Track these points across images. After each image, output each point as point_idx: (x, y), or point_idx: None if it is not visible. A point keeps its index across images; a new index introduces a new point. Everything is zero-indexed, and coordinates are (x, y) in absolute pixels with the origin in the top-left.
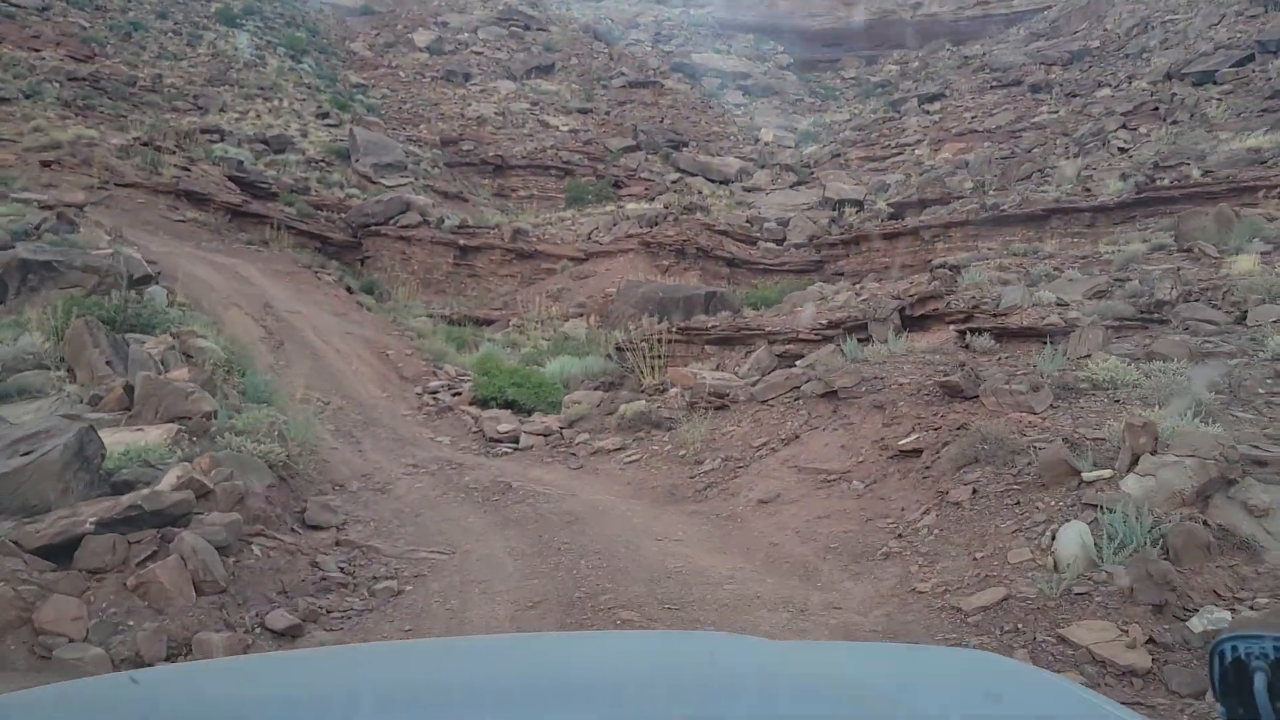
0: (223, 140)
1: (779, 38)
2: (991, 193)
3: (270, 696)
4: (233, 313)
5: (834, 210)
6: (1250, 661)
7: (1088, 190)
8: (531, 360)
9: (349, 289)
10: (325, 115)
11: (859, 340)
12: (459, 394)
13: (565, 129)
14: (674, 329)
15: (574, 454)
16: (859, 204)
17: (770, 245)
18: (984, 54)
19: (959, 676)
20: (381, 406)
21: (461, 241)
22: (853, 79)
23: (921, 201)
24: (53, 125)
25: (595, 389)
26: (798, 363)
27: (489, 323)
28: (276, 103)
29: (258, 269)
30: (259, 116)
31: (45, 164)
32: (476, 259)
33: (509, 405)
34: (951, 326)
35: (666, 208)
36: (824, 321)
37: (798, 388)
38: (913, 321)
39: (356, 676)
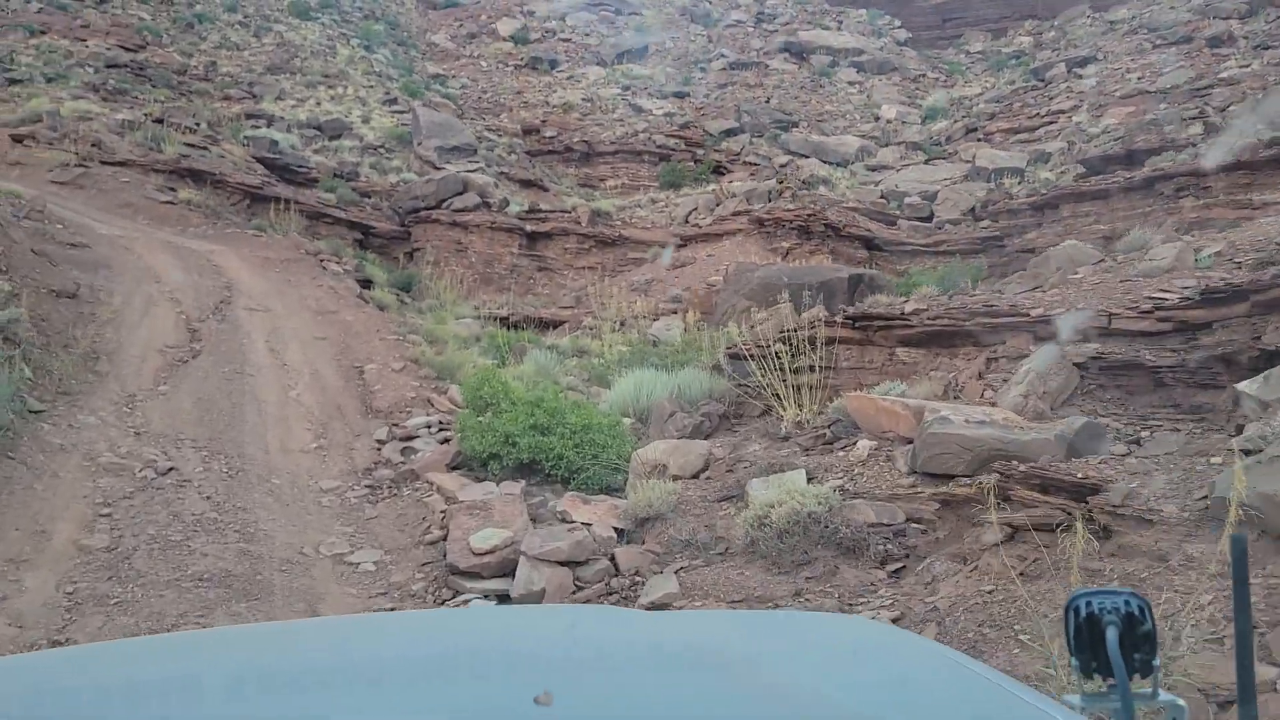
0: (270, 126)
1: (894, 13)
2: (1261, 128)
3: (110, 686)
4: (160, 310)
5: (989, 181)
6: (1103, 616)
7: None
8: (598, 376)
9: (366, 282)
10: (393, 101)
11: None
12: (449, 439)
13: (659, 113)
14: (838, 317)
15: None
16: (1019, 173)
17: (916, 223)
18: (1133, 16)
19: (824, 641)
20: (283, 474)
21: (529, 228)
22: (979, 53)
23: (1129, 154)
24: (46, 101)
25: (691, 432)
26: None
27: (556, 325)
28: (340, 90)
29: (242, 257)
30: (319, 104)
31: (16, 140)
32: (547, 248)
33: (525, 470)
34: None
35: (781, 182)
36: (1190, 292)
37: None
38: None
39: (200, 662)
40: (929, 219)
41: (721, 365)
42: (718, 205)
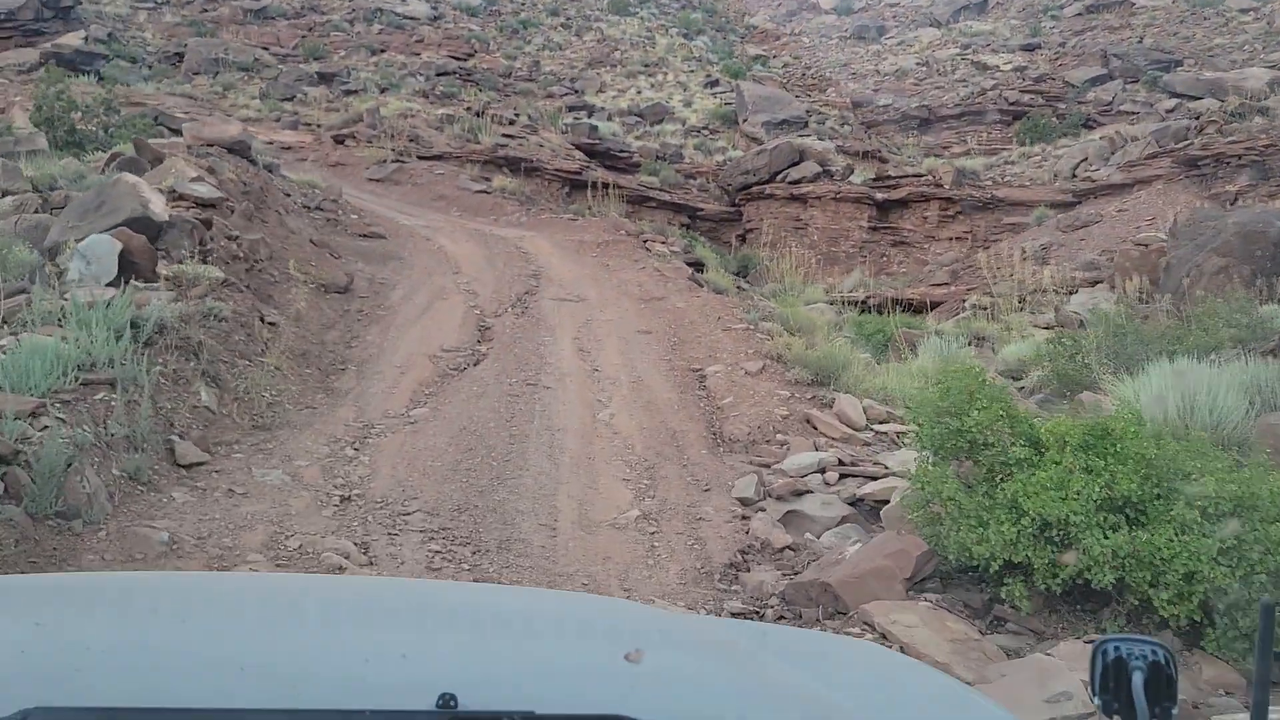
0: (591, 116)
1: None
2: None
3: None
4: (447, 304)
5: None
6: (1130, 661)
7: None
8: (1060, 377)
9: (697, 266)
10: (714, 84)
11: None
12: (861, 499)
13: (1008, 68)
14: None
15: None
16: None
17: None
18: None
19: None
20: (578, 583)
21: (879, 196)
22: None
23: None
24: (371, 102)
25: None
26: None
27: (931, 306)
28: (660, 77)
29: (555, 242)
30: (639, 92)
31: (338, 141)
32: (902, 219)
33: (1091, 597)
34: None
35: (1199, 118)
36: None
37: None
38: None
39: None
40: None
41: None
42: (1113, 153)
